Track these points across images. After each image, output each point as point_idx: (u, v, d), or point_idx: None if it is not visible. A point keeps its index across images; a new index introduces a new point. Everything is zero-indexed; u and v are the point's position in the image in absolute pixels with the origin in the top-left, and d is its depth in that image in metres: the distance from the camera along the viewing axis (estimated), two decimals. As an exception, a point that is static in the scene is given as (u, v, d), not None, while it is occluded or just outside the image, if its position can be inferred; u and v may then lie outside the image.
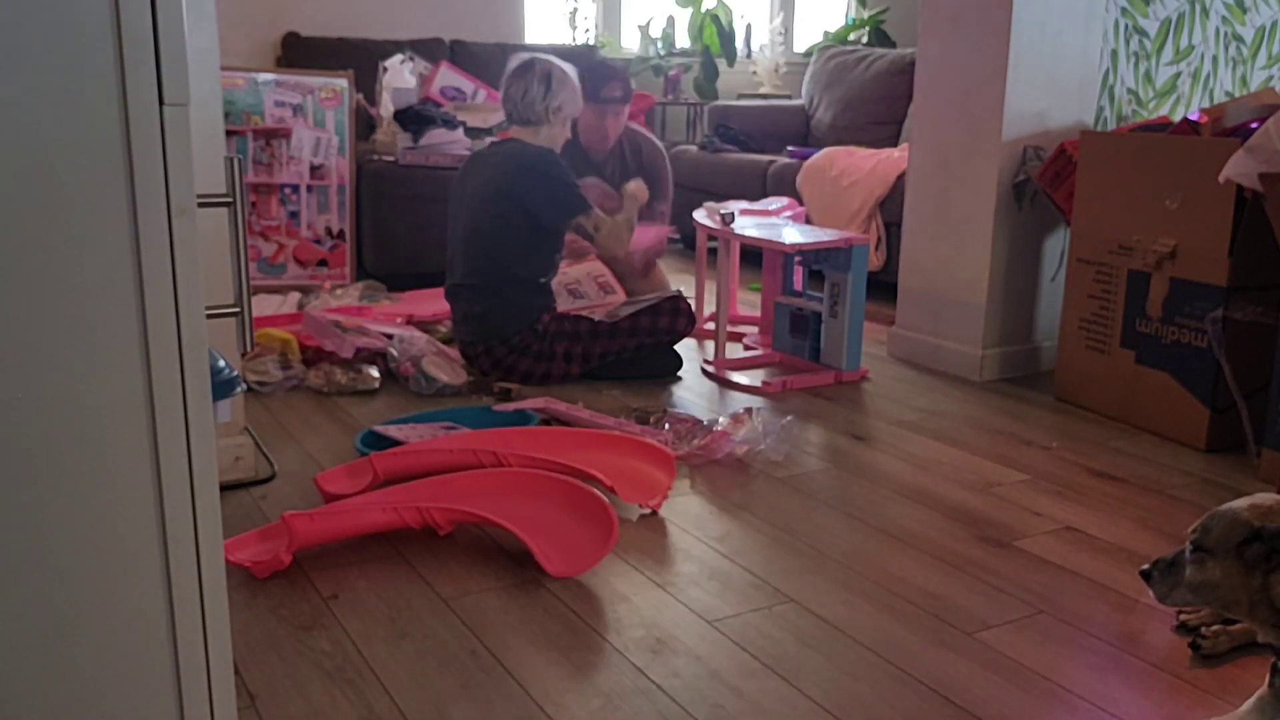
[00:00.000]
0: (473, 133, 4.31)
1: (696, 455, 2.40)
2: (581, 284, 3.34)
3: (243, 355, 2.66)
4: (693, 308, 3.09)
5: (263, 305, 3.56)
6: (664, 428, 2.52)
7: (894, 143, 4.74)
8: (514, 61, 3.03)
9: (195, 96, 0.83)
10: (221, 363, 1.86)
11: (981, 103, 3.02)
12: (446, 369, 2.86)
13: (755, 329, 3.57)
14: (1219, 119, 2.61)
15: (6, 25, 0.74)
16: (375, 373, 2.91)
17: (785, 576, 1.87)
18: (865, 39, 6.16)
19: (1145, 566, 1.46)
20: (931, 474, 2.38)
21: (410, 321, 3.37)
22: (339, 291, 3.75)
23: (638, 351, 3.00)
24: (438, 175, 4.04)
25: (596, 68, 3.62)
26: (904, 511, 2.17)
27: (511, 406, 2.60)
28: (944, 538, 2.04)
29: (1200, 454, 2.52)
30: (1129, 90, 3.17)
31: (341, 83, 4.04)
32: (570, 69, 3.05)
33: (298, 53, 4.62)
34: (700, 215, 3.49)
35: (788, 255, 3.29)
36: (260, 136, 3.93)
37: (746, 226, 3.25)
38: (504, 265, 2.91)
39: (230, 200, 0.96)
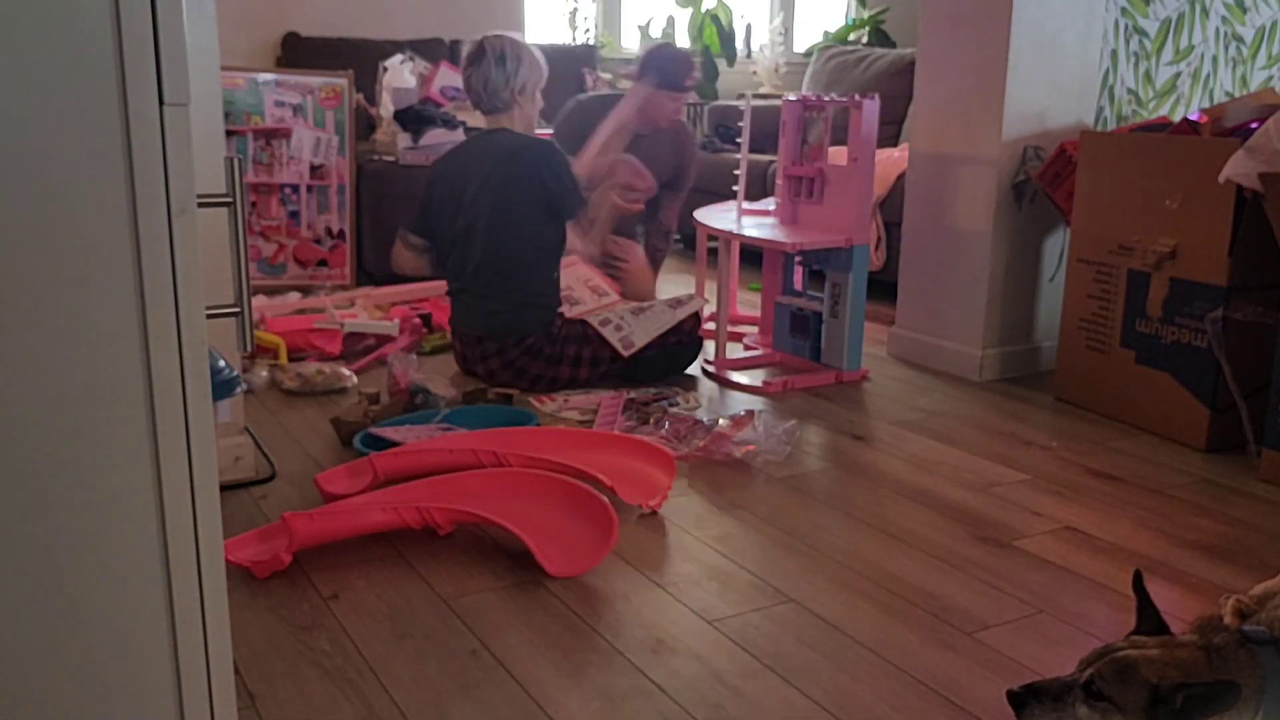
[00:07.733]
0: (473, 132, 4.31)
1: (696, 455, 2.40)
2: (575, 290, 3.30)
3: (243, 355, 2.66)
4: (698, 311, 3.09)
5: (262, 306, 3.55)
6: (664, 428, 2.52)
7: (894, 143, 4.73)
8: (466, 48, 3.00)
9: (195, 96, 0.83)
10: (221, 363, 1.86)
11: (981, 103, 3.02)
12: (439, 382, 2.85)
13: (755, 329, 3.57)
14: (1219, 119, 2.61)
15: (6, 25, 0.74)
16: (347, 370, 2.91)
17: (785, 576, 1.87)
18: (865, 39, 6.15)
19: (1015, 689, 1.24)
20: (931, 474, 2.38)
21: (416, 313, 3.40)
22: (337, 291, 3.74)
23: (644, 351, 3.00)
24: (438, 175, 4.04)
25: (676, 57, 3.74)
26: (904, 511, 2.17)
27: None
28: (944, 538, 2.04)
29: (1200, 454, 2.52)
30: (1129, 90, 3.17)
31: (341, 83, 4.04)
32: (519, 37, 3.04)
33: (298, 53, 4.62)
34: (700, 216, 3.48)
35: (788, 255, 3.29)
36: (260, 136, 3.93)
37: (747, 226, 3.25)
38: (524, 257, 2.88)
39: (230, 200, 0.96)
